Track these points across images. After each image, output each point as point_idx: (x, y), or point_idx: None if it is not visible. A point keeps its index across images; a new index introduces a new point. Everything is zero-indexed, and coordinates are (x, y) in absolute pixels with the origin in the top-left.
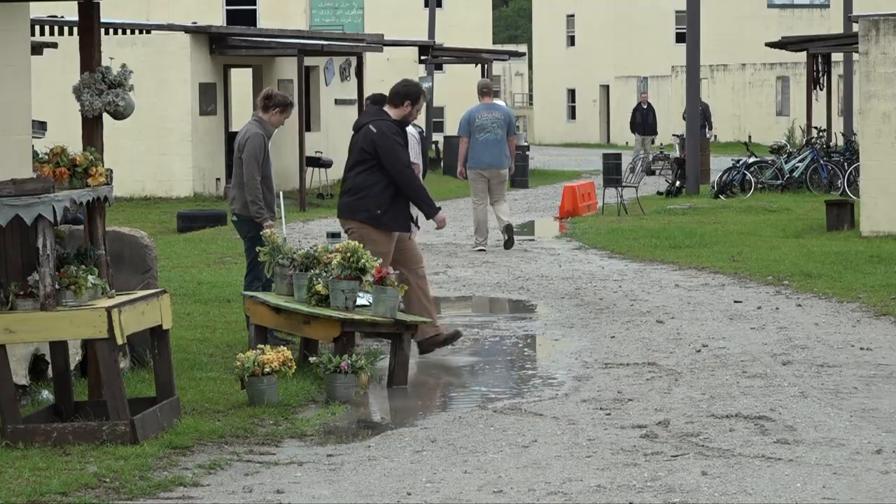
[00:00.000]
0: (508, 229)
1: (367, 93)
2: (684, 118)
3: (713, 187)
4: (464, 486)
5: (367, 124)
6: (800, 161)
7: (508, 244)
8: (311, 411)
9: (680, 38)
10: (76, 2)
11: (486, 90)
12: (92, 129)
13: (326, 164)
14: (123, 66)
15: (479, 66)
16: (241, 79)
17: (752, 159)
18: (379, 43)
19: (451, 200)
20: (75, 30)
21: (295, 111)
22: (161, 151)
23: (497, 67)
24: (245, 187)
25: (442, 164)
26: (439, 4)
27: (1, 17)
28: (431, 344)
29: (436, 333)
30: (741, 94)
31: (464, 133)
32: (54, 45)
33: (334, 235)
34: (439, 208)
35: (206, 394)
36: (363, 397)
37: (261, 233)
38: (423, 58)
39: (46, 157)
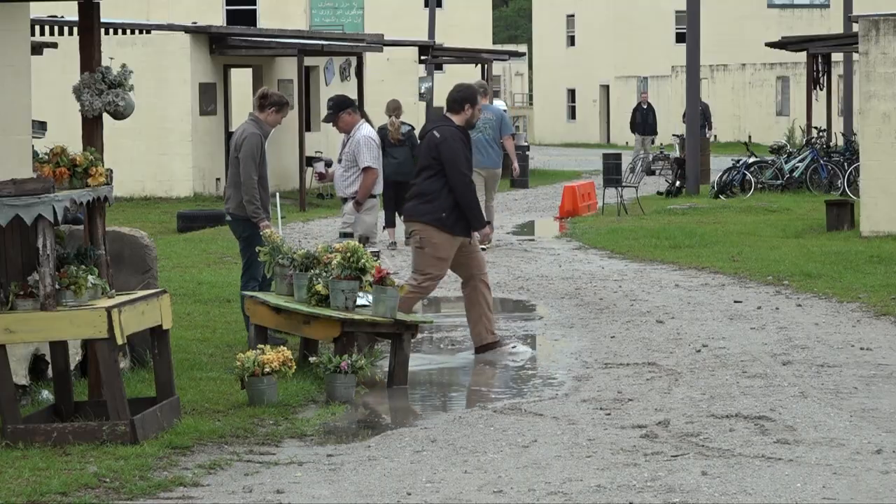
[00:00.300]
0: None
1: (367, 93)
2: (684, 120)
3: (713, 187)
4: (464, 486)
5: (431, 130)
6: (800, 161)
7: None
8: (311, 411)
9: (680, 38)
10: (76, 2)
11: (482, 91)
12: (92, 129)
13: (326, 165)
14: (123, 66)
15: (479, 66)
16: (241, 79)
17: (752, 159)
18: (379, 43)
19: None
20: (75, 30)
21: (295, 111)
22: (161, 151)
23: (497, 67)
24: (242, 187)
25: None
26: (439, 4)
27: (1, 17)
28: (487, 349)
29: (494, 340)
30: (741, 94)
31: None
32: (54, 45)
33: (346, 235)
34: (488, 223)
35: (206, 394)
36: (363, 397)
37: (261, 233)
38: (423, 58)
39: (46, 157)
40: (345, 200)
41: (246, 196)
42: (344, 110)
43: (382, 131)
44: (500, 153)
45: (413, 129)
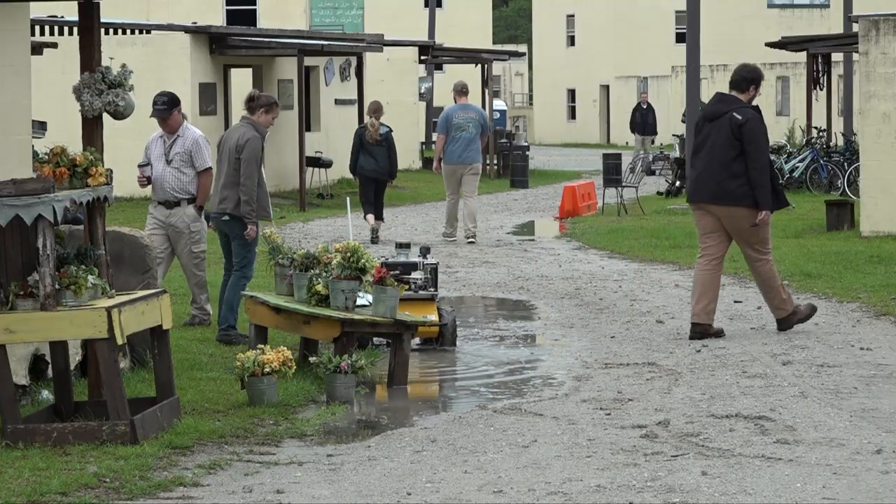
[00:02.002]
0: (471, 241)
1: (367, 93)
2: (683, 120)
3: None
4: (464, 486)
5: (730, 112)
6: (800, 161)
7: (470, 239)
8: (311, 411)
9: (680, 38)
10: (76, 2)
11: (464, 90)
12: (92, 129)
13: (326, 164)
14: (123, 66)
15: (479, 66)
16: (241, 79)
17: None
18: (379, 43)
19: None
20: (75, 30)
21: (295, 111)
22: None
23: (497, 67)
24: (241, 187)
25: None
26: (439, 4)
27: (1, 17)
28: (791, 321)
29: (794, 310)
30: None
31: (442, 131)
32: (54, 45)
33: (403, 246)
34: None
35: (206, 394)
36: (363, 397)
37: (245, 233)
38: (423, 58)
39: (46, 157)
40: (174, 203)
41: (244, 196)
42: (176, 107)
43: (361, 131)
44: (480, 151)
45: (391, 130)
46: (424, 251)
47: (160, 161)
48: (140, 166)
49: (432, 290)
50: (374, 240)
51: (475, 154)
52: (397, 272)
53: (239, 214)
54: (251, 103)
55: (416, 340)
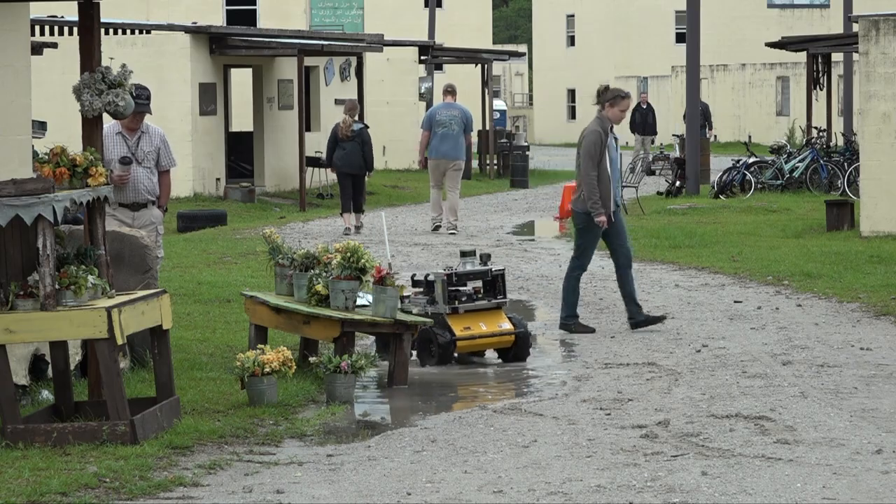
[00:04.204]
0: (452, 232)
1: (367, 93)
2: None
3: (713, 187)
4: (464, 486)
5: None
6: (800, 161)
7: (451, 231)
8: (311, 411)
9: (680, 38)
10: (76, 2)
11: (449, 90)
12: (92, 129)
13: (326, 165)
14: (123, 66)
15: (479, 66)
16: (241, 79)
17: (752, 159)
18: (379, 43)
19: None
20: (75, 30)
21: (295, 111)
22: None
23: (497, 67)
24: (580, 180)
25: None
26: (439, 4)
27: (1, 17)
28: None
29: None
30: (741, 94)
31: (425, 128)
32: (54, 45)
33: (468, 255)
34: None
35: (206, 394)
36: (363, 397)
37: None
38: (423, 58)
39: (46, 157)
40: (142, 205)
41: (585, 190)
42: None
43: (336, 127)
44: (464, 148)
45: (364, 127)
46: (485, 258)
47: (117, 165)
48: (124, 163)
49: (501, 297)
50: (348, 233)
51: (458, 151)
52: (471, 281)
53: (582, 209)
54: (600, 96)
55: (489, 353)
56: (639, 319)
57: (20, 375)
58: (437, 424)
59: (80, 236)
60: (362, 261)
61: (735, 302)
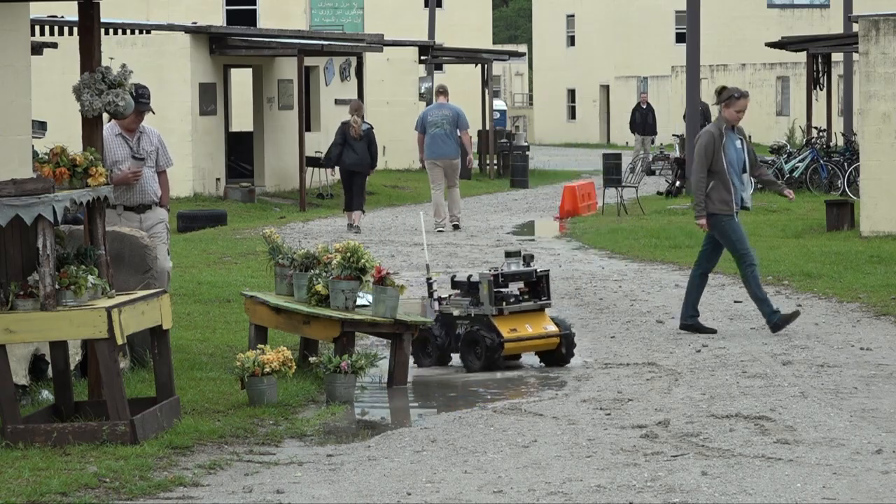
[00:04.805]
0: (455, 226)
1: (367, 93)
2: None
3: None
4: (464, 486)
5: None
6: (800, 161)
7: (454, 223)
8: (311, 411)
9: (680, 38)
10: (76, 2)
11: (441, 91)
12: (92, 129)
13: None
14: (123, 66)
15: (479, 66)
16: (241, 79)
17: None
18: (379, 43)
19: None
20: (75, 30)
21: (295, 111)
22: None
23: (497, 67)
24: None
25: None
26: (439, 4)
27: (1, 17)
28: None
29: None
30: None
31: (419, 130)
32: (54, 45)
33: (513, 255)
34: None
35: (206, 394)
36: (363, 397)
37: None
38: (423, 58)
39: (46, 157)
40: (147, 207)
41: (693, 191)
42: None
43: (344, 127)
44: (457, 146)
45: (371, 127)
46: (528, 259)
47: (131, 161)
48: (137, 158)
49: (545, 298)
50: (351, 228)
51: (451, 149)
52: (514, 283)
53: (712, 211)
54: (718, 98)
55: (525, 358)
56: (686, 323)
57: (20, 375)
58: (437, 424)
59: (80, 236)
60: (362, 261)
61: (735, 302)
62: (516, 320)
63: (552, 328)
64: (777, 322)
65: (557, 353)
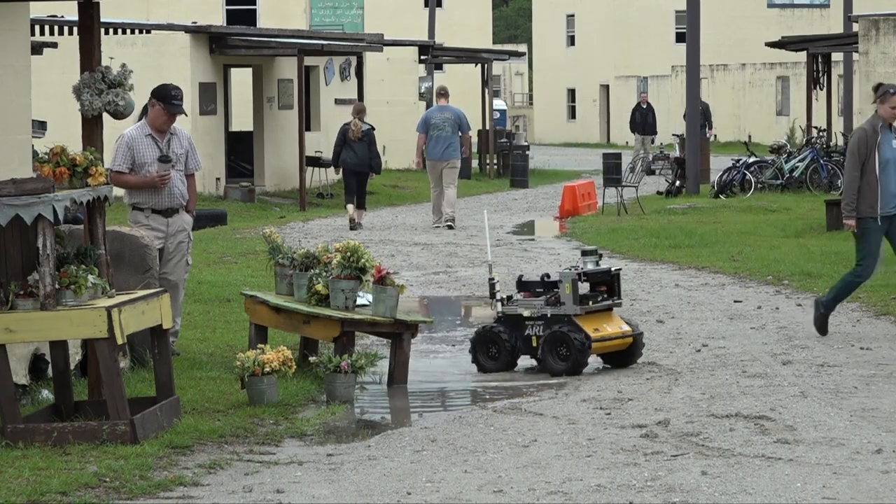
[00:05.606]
0: (449, 224)
1: (367, 93)
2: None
3: (713, 187)
4: (464, 486)
5: None
6: (800, 161)
7: (448, 223)
8: (311, 411)
9: (680, 38)
10: (76, 2)
11: (442, 93)
12: (92, 129)
13: (326, 164)
14: (123, 65)
15: (479, 65)
16: (241, 79)
17: (752, 159)
18: (379, 43)
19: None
20: (75, 30)
21: (294, 111)
22: None
23: (497, 67)
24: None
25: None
26: (439, 4)
27: (1, 17)
28: None
29: None
30: (741, 94)
31: (421, 130)
32: (54, 45)
33: (589, 254)
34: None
35: (206, 394)
36: (363, 397)
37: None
38: (423, 58)
39: (46, 156)
40: (174, 211)
41: (844, 191)
42: None
43: (345, 127)
44: (458, 148)
45: (372, 128)
46: (599, 258)
47: (157, 164)
48: (164, 161)
49: (617, 298)
50: (353, 227)
51: (453, 151)
52: (600, 285)
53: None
54: (875, 95)
55: (594, 359)
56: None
57: (20, 375)
58: (437, 424)
59: (80, 236)
60: (362, 260)
61: (735, 302)
62: (596, 320)
63: (626, 328)
64: (819, 315)
65: (627, 354)
